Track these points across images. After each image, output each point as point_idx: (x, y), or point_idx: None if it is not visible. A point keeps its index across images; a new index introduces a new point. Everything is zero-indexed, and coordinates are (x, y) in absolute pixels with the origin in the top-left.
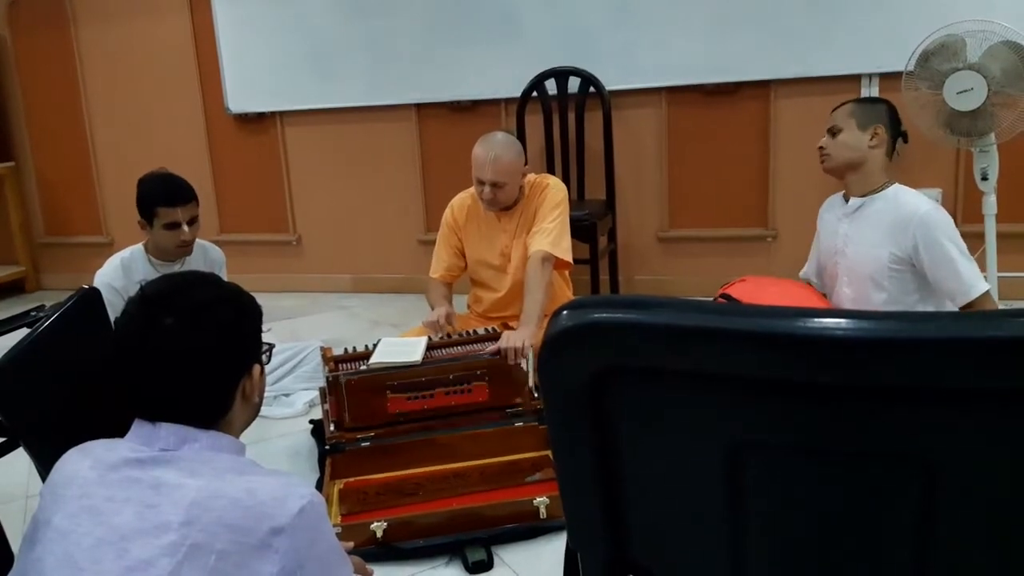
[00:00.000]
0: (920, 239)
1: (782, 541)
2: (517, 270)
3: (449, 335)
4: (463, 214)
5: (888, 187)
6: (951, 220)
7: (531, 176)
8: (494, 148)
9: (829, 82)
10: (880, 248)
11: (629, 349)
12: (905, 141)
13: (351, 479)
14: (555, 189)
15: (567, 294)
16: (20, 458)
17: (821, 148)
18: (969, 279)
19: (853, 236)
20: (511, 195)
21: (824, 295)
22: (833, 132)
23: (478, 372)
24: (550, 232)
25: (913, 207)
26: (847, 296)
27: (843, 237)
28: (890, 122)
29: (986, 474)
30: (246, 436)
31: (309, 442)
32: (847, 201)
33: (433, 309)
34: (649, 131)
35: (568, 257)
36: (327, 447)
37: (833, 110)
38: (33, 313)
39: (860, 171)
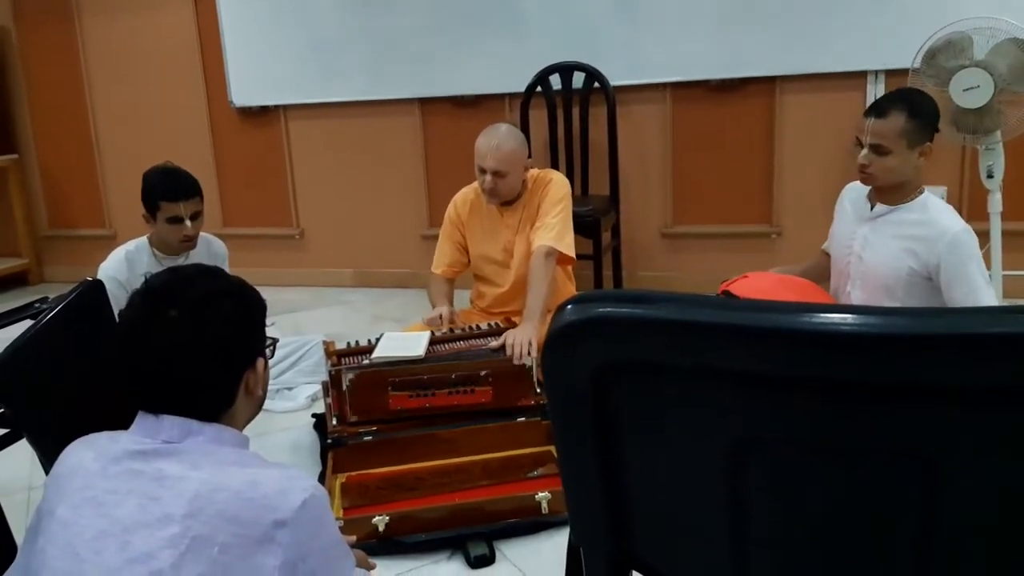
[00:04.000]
0: (945, 258)
1: (784, 537)
2: (520, 265)
3: (452, 329)
4: (466, 209)
5: (918, 196)
6: (977, 243)
7: (534, 171)
8: (497, 137)
9: (835, 78)
10: (900, 261)
11: (633, 344)
12: (937, 130)
13: (353, 473)
14: (558, 184)
15: (570, 289)
16: (22, 450)
17: (864, 166)
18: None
19: (872, 242)
20: (513, 186)
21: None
22: (880, 151)
23: (481, 374)
24: (553, 227)
25: (944, 226)
26: (858, 300)
27: (861, 240)
28: (935, 124)
29: (989, 471)
30: (248, 430)
31: (311, 436)
32: (871, 203)
33: (434, 307)
34: (654, 127)
35: (571, 252)
36: (329, 441)
37: (878, 113)
38: (36, 305)
39: (900, 187)
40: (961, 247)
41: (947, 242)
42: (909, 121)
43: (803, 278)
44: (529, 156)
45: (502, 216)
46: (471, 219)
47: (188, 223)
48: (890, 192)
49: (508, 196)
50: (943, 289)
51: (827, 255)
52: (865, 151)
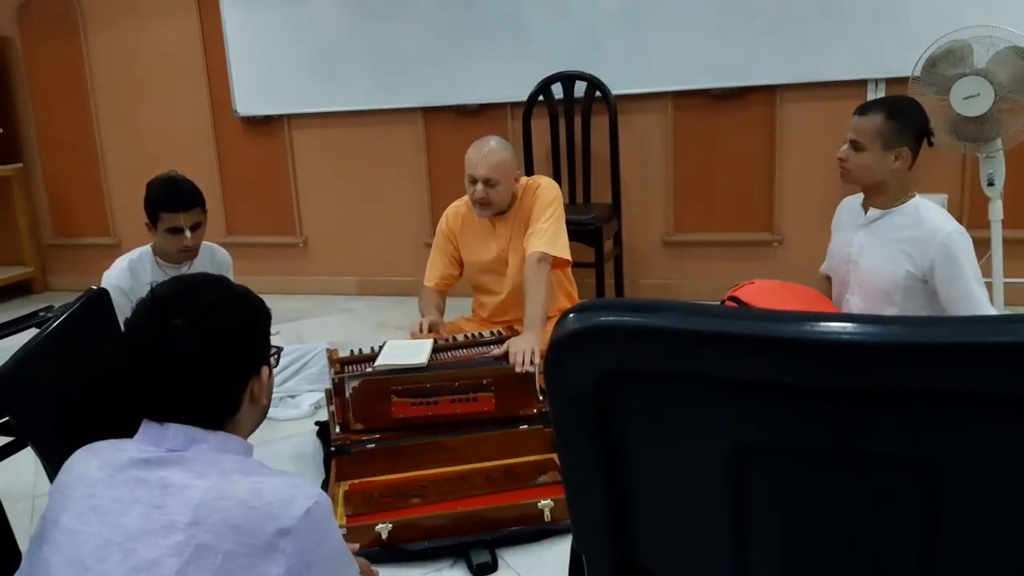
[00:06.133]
0: (939, 258)
1: (787, 544)
2: (516, 273)
3: (455, 337)
4: (458, 222)
5: (909, 200)
6: (971, 243)
7: (524, 179)
8: (487, 146)
9: (835, 87)
10: (896, 264)
11: (635, 352)
12: (931, 144)
13: (356, 481)
14: (546, 188)
15: (571, 293)
16: (27, 458)
17: (841, 160)
18: (981, 306)
19: (868, 247)
20: (503, 197)
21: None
22: (856, 147)
23: (484, 382)
24: (545, 232)
25: (936, 226)
26: (857, 306)
27: (858, 247)
28: (917, 133)
29: (991, 479)
30: (252, 438)
31: (314, 444)
32: (865, 209)
33: (423, 317)
34: (655, 135)
35: (566, 255)
36: (332, 448)
37: (861, 111)
38: (42, 314)
39: (880, 189)
40: (953, 246)
41: (939, 242)
42: (886, 123)
43: None
44: (518, 170)
45: (494, 227)
46: (463, 231)
47: (188, 234)
48: (874, 194)
49: (499, 207)
50: (938, 289)
51: (827, 278)
52: (845, 146)
